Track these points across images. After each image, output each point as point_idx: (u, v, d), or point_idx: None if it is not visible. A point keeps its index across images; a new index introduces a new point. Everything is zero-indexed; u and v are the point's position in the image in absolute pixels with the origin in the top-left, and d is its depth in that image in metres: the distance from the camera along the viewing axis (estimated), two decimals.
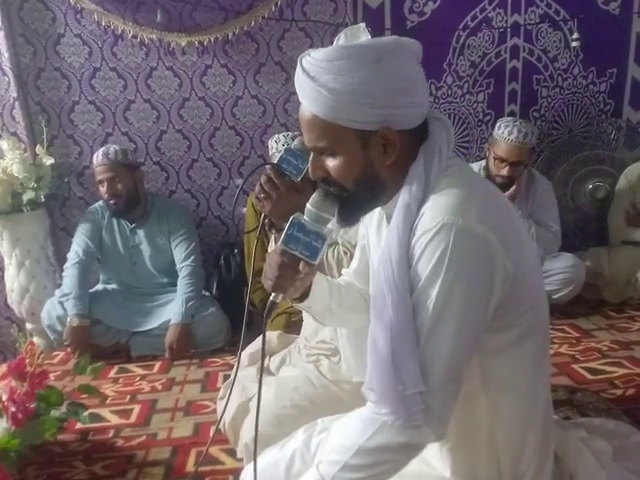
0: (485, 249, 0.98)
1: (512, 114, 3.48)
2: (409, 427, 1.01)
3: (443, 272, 0.97)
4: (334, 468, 1.06)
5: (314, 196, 1.12)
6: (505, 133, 2.86)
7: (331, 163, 1.09)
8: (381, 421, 1.03)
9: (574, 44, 3.32)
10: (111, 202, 2.90)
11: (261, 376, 1.16)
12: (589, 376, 2.30)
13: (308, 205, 1.11)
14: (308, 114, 1.07)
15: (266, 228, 1.58)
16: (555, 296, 2.92)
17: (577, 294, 3.02)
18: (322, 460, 1.09)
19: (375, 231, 1.26)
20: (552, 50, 3.43)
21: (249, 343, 2.06)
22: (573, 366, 2.40)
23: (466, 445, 1.15)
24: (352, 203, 1.12)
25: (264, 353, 1.17)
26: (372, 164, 1.07)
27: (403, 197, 1.04)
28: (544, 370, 1.17)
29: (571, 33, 3.34)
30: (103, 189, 2.88)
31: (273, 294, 1.13)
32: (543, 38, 3.41)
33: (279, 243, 1.10)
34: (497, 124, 2.95)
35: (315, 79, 1.03)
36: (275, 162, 1.50)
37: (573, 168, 3.45)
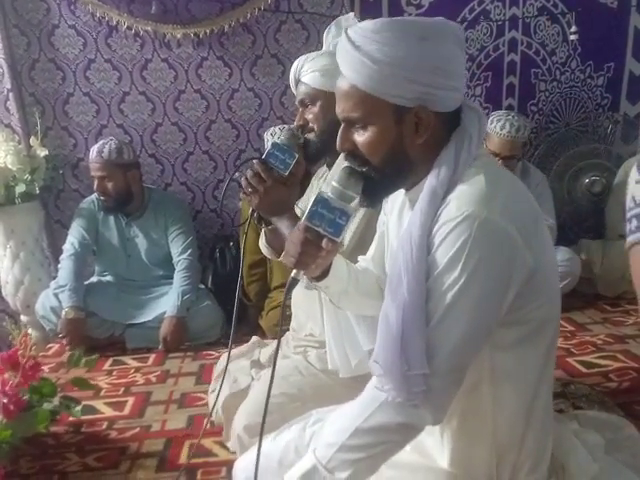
0: (506, 244, 0.98)
1: (510, 108, 3.47)
2: (408, 406, 1.00)
3: (462, 262, 0.97)
4: (331, 450, 1.06)
5: (340, 173, 1.11)
6: (497, 127, 2.86)
7: (361, 137, 1.09)
8: (380, 401, 1.03)
9: (572, 37, 3.31)
10: (102, 199, 2.91)
11: (274, 363, 1.17)
12: (584, 369, 2.30)
13: (333, 182, 1.10)
14: (346, 85, 1.08)
15: (255, 222, 1.58)
16: None
17: (572, 288, 3.01)
18: (317, 445, 1.09)
19: (396, 217, 1.25)
20: (550, 43, 3.42)
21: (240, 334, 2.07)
22: (568, 359, 2.40)
23: (467, 435, 1.15)
24: (377, 181, 1.11)
25: (281, 333, 1.16)
26: (402, 141, 1.07)
27: (430, 181, 1.04)
28: (549, 367, 1.16)
29: (569, 26, 3.32)
30: (95, 185, 2.89)
31: (294, 271, 1.12)
32: (541, 31, 3.39)
33: (303, 219, 1.09)
34: (490, 118, 2.94)
35: (360, 48, 1.03)
36: (262, 157, 1.49)
37: (570, 162, 3.44)
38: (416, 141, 1.07)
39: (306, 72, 1.62)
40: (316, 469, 1.06)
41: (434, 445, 1.20)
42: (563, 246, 3.09)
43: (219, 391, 1.63)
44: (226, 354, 2.09)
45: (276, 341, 1.98)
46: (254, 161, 1.49)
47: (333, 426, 1.10)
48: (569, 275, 2.97)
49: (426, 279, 1.00)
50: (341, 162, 1.15)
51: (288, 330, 1.96)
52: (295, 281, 1.12)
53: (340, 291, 1.31)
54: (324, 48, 1.68)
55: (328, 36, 1.66)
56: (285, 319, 2.30)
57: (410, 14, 3.26)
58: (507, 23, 3.35)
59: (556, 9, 3.35)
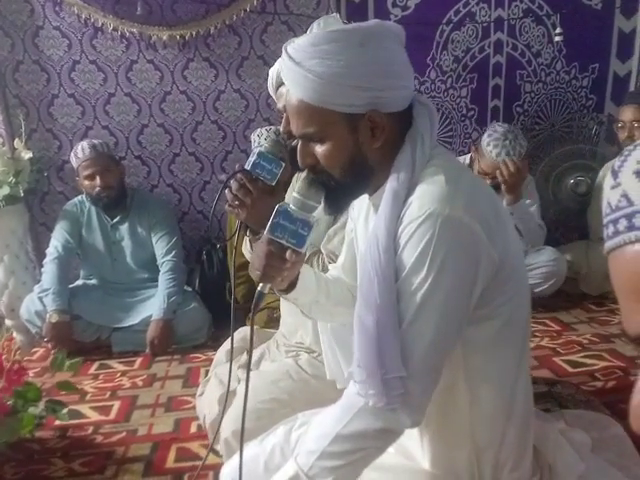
0: (470, 239, 0.99)
1: (495, 109, 3.49)
2: (387, 410, 1.01)
3: (428, 261, 0.98)
4: (312, 457, 1.06)
5: (300, 184, 1.11)
6: (493, 153, 2.77)
7: (320, 149, 1.09)
8: (358, 407, 1.03)
9: (557, 39, 3.33)
10: (103, 195, 2.86)
11: (248, 370, 1.15)
12: (570, 369, 2.31)
13: (294, 193, 1.10)
14: (295, 101, 1.08)
15: (243, 233, 1.55)
16: (537, 290, 2.93)
17: (558, 288, 3.03)
18: (300, 452, 1.09)
19: (363, 222, 1.25)
20: (535, 45, 3.44)
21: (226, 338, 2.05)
22: (554, 359, 2.41)
23: (446, 436, 1.15)
24: (339, 190, 1.11)
25: (252, 345, 1.15)
26: (360, 148, 1.07)
27: (391, 184, 1.04)
28: (524, 364, 1.17)
29: (554, 28, 3.34)
30: (93, 182, 2.85)
31: (261, 284, 1.11)
32: (527, 33, 3.41)
33: (265, 232, 1.09)
34: (487, 138, 2.82)
35: (301, 64, 1.03)
36: (248, 168, 1.44)
37: (555, 163, 3.46)
38: (373, 145, 1.07)
39: None
40: (298, 476, 1.06)
41: (415, 447, 1.20)
42: (549, 246, 3.11)
43: (223, 411, 1.59)
44: (215, 356, 2.09)
45: (264, 344, 1.98)
46: (239, 174, 1.45)
47: (314, 432, 1.10)
48: (555, 275, 2.98)
49: (395, 281, 1.00)
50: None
51: (275, 332, 1.96)
52: (262, 295, 1.11)
53: (310, 302, 1.31)
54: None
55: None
56: (273, 321, 2.31)
57: (396, 16, 3.27)
58: (492, 25, 3.36)
59: (541, 11, 3.37)
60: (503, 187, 2.76)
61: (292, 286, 1.24)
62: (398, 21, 3.25)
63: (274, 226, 1.08)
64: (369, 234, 1.07)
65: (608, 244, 0.54)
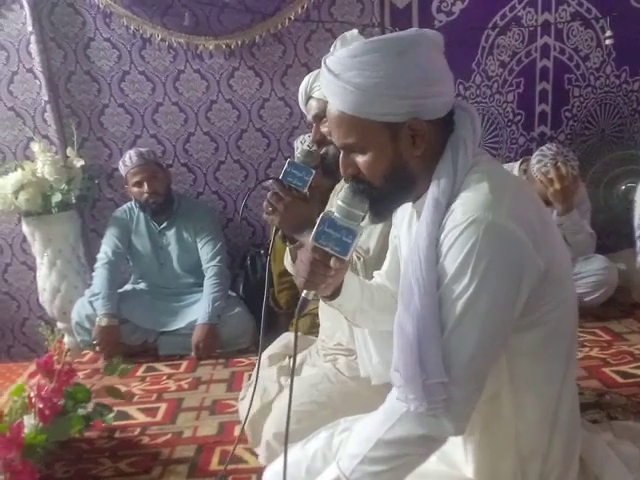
0: (515, 246, 0.98)
1: (543, 114, 3.43)
2: (430, 416, 1.00)
3: (470, 268, 0.97)
4: (354, 462, 1.06)
5: (344, 192, 1.12)
6: (543, 177, 2.71)
7: (361, 159, 1.09)
8: (400, 413, 1.03)
9: (607, 42, 3.25)
10: (151, 201, 2.93)
11: (292, 374, 1.17)
12: (620, 380, 2.24)
13: (338, 201, 1.11)
14: (335, 112, 1.09)
15: (280, 241, 1.59)
16: (587, 299, 2.86)
17: (609, 297, 2.95)
18: (342, 456, 1.09)
19: (406, 229, 1.26)
20: (584, 49, 3.37)
21: (270, 343, 2.08)
22: (604, 369, 2.34)
23: (490, 445, 1.14)
24: (383, 199, 1.12)
25: (296, 351, 1.17)
26: (401, 157, 1.07)
27: (432, 191, 1.04)
28: (570, 373, 1.15)
29: (603, 31, 3.27)
30: (141, 189, 2.92)
31: (305, 291, 1.12)
32: (574, 37, 3.35)
33: (310, 239, 1.10)
34: (536, 164, 2.73)
35: (340, 76, 1.04)
36: (280, 177, 1.52)
37: (605, 169, 3.38)
38: (415, 153, 1.07)
39: (318, 87, 1.64)
40: None
41: (459, 456, 1.19)
42: (599, 254, 3.03)
43: (252, 400, 1.62)
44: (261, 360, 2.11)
45: (306, 350, 1.99)
46: (271, 181, 1.51)
47: (357, 437, 1.10)
48: (605, 284, 2.90)
49: (437, 288, 0.99)
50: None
51: (316, 338, 1.97)
52: (306, 301, 1.13)
53: (354, 309, 1.31)
54: (322, 69, 1.70)
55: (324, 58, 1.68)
56: (316, 327, 2.32)
57: (440, 21, 3.26)
58: (539, 29, 3.31)
59: (589, 14, 3.30)
60: (552, 195, 2.69)
61: (336, 293, 1.25)
62: (443, 27, 3.23)
63: (319, 234, 1.09)
64: (411, 241, 1.07)
65: None
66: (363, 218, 1.12)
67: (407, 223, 1.25)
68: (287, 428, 1.11)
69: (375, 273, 1.46)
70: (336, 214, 1.10)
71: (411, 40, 1.05)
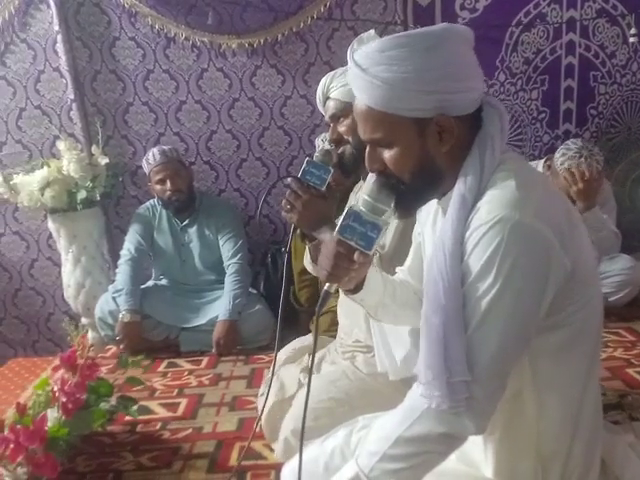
0: (541, 246, 0.97)
1: (568, 111, 3.39)
2: (451, 414, 0.99)
3: (495, 266, 0.96)
4: (373, 459, 1.05)
5: (371, 186, 1.11)
6: (567, 173, 2.69)
7: (387, 154, 1.09)
8: (421, 410, 1.02)
9: (632, 40, 3.20)
10: (173, 198, 2.96)
11: (311, 369, 1.17)
12: None
13: (364, 195, 1.11)
14: (362, 106, 1.08)
15: (299, 239, 1.61)
16: (611, 299, 2.82)
17: (634, 297, 2.91)
18: (361, 453, 1.09)
19: (430, 226, 1.25)
20: (610, 46, 3.32)
21: (290, 341, 2.09)
22: (627, 370, 2.31)
23: (511, 445, 1.13)
24: (409, 194, 1.11)
25: (316, 346, 1.17)
26: (428, 152, 1.07)
27: (458, 188, 1.04)
28: (594, 374, 1.13)
29: (629, 28, 3.22)
30: (164, 187, 2.95)
31: (327, 284, 1.12)
32: (600, 33, 3.30)
33: (335, 232, 1.10)
34: (560, 157, 2.72)
35: (367, 71, 1.04)
36: (298, 175, 1.53)
37: (631, 167, 3.34)
38: (441, 149, 1.06)
39: (335, 88, 1.65)
40: (358, 477, 1.06)
41: (478, 455, 1.18)
42: (624, 254, 2.99)
43: (267, 397, 1.64)
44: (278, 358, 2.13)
45: (325, 348, 2.00)
46: (289, 179, 1.53)
47: (376, 434, 1.10)
48: (630, 284, 2.87)
49: (462, 285, 0.99)
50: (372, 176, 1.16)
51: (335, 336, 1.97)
52: (328, 294, 1.13)
53: (376, 303, 1.31)
54: (349, 64, 1.70)
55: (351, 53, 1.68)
56: (336, 325, 2.32)
57: (464, 18, 3.23)
58: (564, 26, 3.27)
59: (615, 10, 3.25)
60: (575, 193, 2.66)
61: (359, 287, 1.25)
62: (466, 24, 3.15)
63: (344, 227, 1.09)
64: (436, 238, 1.07)
65: None
66: (388, 214, 1.12)
67: (432, 220, 1.25)
68: (303, 425, 1.12)
69: (397, 269, 1.46)
70: (362, 208, 1.10)
71: (440, 35, 1.04)
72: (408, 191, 1.10)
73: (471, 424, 1.00)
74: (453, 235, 1.00)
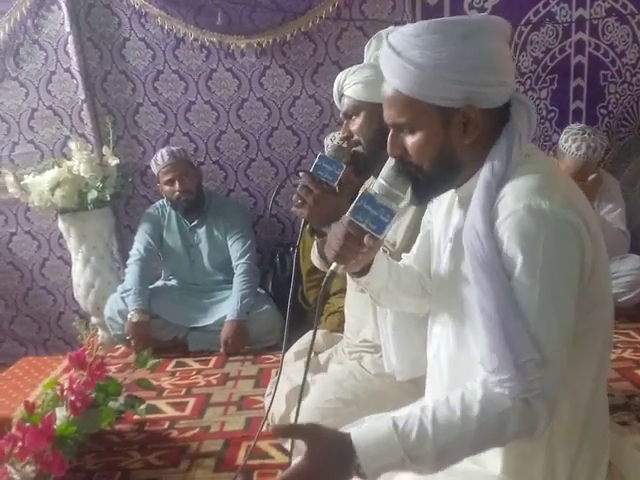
0: (575, 234, 0.98)
1: (577, 111, 3.37)
2: (523, 403, 0.96)
3: (537, 256, 0.96)
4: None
5: (388, 171, 1.11)
6: (573, 148, 2.72)
7: (410, 140, 1.09)
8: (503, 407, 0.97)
9: None
10: (182, 199, 2.97)
11: (307, 364, 1.17)
12: None
13: (380, 179, 1.11)
14: (391, 90, 1.08)
15: (309, 234, 1.61)
16: (621, 299, 2.80)
17: None
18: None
19: (443, 216, 1.24)
20: (620, 45, 3.30)
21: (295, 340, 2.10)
22: (636, 371, 2.30)
23: (521, 444, 1.11)
24: (426, 183, 1.11)
25: (316, 331, 1.18)
26: (450, 143, 1.07)
27: (484, 175, 1.04)
28: (603, 375, 1.14)
29: (639, 27, 3.19)
30: (172, 187, 2.96)
31: (334, 264, 1.13)
32: (610, 33, 3.28)
33: (347, 214, 1.10)
34: (564, 135, 2.81)
35: (402, 54, 1.04)
36: (310, 170, 1.53)
37: None
38: (464, 141, 1.06)
39: (349, 85, 1.64)
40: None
41: (486, 454, 1.18)
42: (634, 254, 2.97)
43: (274, 394, 1.65)
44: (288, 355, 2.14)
45: (332, 347, 2.00)
46: (301, 174, 1.52)
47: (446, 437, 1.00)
48: (639, 284, 2.85)
49: (505, 274, 0.97)
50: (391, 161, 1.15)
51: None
52: (333, 274, 1.13)
53: (380, 288, 1.30)
54: (365, 61, 1.71)
55: (369, 49, 1.69)
56: (343, 325, 2.33)
57: None
58: (574, 25, 3.25)
59: (625, 9, 3.23)
60: None
61: (365, 270, 1.24)
62: None
63: (357, 209, 1.08)
64: (466, 227, 1.04)
65: None
66: (402, 203, 1.12)
67: (445, 209, 1.24)
68: (296, 420, 1.12)
69: (403, 255, 1.46)
70: (376, 191, 1.09)
71: (477, 25, 1.04)
72: (425, 179, 1.10)
73: (544, 408, 0.97)
74: (483, 220, 1.00)
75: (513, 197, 0.98)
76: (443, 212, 1.25)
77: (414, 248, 1.42)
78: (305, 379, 1.15)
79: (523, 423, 0.98)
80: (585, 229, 0.98)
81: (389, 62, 1.06)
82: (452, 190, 1.17)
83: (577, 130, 2.78)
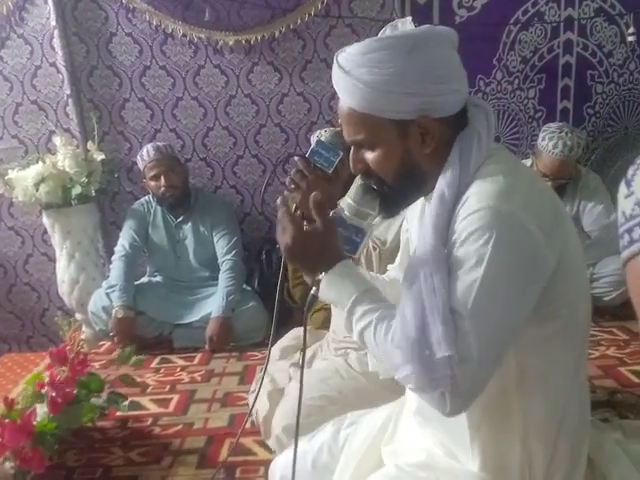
0: (528, 238, 0.97)
1: (565, 111, 3.38)
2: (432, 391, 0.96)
3: (486, 256, 0.95)
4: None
5: (355, 191, 1.13)
6: (549, 146, 2.75)
7: (370, 155, 1.09)
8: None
9: (630, 39, 3.20)
10: (167, 195, 2.96)
11: (302, 368, 1.16)
12: (635, 379, 2.22)
13: (348, 199, 1.12)
14: (346, 108, 1.09)
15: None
16: (606, 298, 2.82)
17: (628, 297, 2.89)
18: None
19: (417, 223, 1.25)
20: (607, 45, 3.31)
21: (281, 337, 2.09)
22: (620, 369, 2.32)
23: (497, 441, 1.12)
24: (393, 196, 1.12)
25: (305, 345, 1.18)
26: (411, 154, 1.07)
27: (439, 186, 1.04)
28: (581, 371, 1.13)
29: (627, 27, 3.21)
30: (158, 183, 2.95)
31: (314, 288, 1.12)
32: (598, 33, 3.29)
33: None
34: (541, 134, 2.84)
35: (350, 73, 1.04)
36: (307, 155, 1.50)
37: (628, 167, 3.32)
38: (424, 151, 1.07)
39: None
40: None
41: (463, 452, 1.18)
42: (619, 254, 2.98)
43: (258, 392, 1.63)
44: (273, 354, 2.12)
45: (317, 343, 2.00)
46: (296, 158, 1.50)
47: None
48: (624, 284, 2.84)
49: (449, 273, 0.97)
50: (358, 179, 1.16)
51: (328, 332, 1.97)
52: (314, 298, 1.12)
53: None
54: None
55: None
56: (329, 322, 2.32)
57: (462, 17, 3.22)
58: (562, 24, 3.26)
59: (613, 10, 3.24)
60: None
61: None
62: (464, 22, 3.20)
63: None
64: (419, 242, 1.06)
65: (624, 254, 0.53)
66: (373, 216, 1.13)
67: (418, 216, 1.25)
68: (298, 422, 1.12)
69: (389, 267, 1.46)
70: (346, 212, 1.11)
71: (422, 38, 1.04)
72: (391, 192, 1.11)
73: (456, 402, 0.95)
74: (432, 229, 1.00)
75: (475, 199, 0.99)
76: (417, 219, 1.25)
77: (398, 257, 1.42)
78: (302, 382, 1.14)
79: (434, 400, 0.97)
80: (541, 232, 0.97)
81: (340, 82, 1.07)
82: (423, 198, 1.18)
83: (555, 128, 2.81)
